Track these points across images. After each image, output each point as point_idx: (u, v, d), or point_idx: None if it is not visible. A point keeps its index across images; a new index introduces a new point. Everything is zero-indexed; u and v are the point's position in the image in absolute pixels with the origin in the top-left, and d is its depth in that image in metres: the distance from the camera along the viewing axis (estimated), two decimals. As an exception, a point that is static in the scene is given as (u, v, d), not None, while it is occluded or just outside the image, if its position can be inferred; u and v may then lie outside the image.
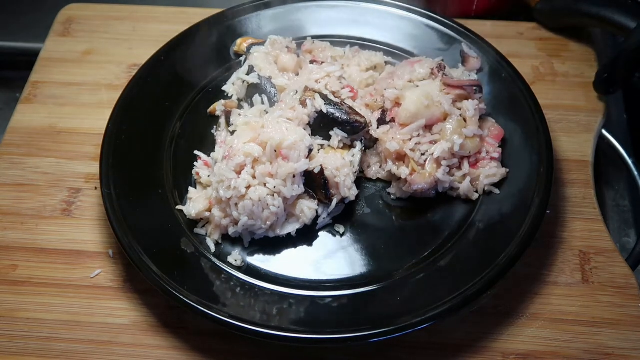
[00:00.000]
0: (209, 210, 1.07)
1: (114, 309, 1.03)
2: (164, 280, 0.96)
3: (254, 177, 1.03)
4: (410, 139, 1.10)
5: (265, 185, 1.03)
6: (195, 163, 1.13)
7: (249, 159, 1.03)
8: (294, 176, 1.04)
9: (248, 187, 1.03)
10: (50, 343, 1.00)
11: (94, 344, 0.99)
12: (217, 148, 1.14)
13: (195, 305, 0.94)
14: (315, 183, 1.07)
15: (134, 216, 1.04)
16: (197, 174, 1.12)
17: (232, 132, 1.15)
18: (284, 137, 1.04)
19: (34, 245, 1.10)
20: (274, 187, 1.03)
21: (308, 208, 1.06)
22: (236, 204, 1.03)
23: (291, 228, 1.06)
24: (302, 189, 1.05)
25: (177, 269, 0.99)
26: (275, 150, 1.03)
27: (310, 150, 1.06)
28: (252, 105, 1.18)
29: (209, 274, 1.02)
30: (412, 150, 1.09)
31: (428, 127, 1.11)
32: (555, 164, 1.09)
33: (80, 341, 1.00)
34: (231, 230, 1.05)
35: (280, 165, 1.03)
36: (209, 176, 1.10)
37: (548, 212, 1.07)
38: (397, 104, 1.12)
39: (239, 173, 1.03)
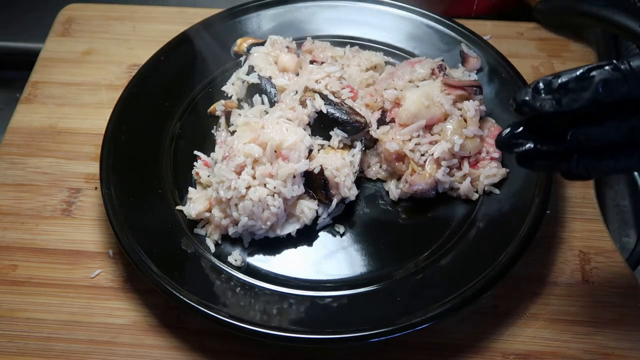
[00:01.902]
0: (209, 210, 1.07)
1: (114, 309, 1.03)
2: (164, 280, 0.96)
3: (254, 177, 1.03)
4: (410, 140, 1.10)
5: (265, 185, 1.03)
6: (195, 163, 1.14)
7: (249, 159, 1.03)
8: (294, 176, 1.04)
9: (248, 188, 1.03)
10: (50, 343, 1.00)
11: (94, 344, 0.99)
12: (216, 148, 1.15)
13: (195, 305, 0.94)
14: (315, 183, 1.07)
15: (134, 216, 1.04)
16: (197, 174, 1.12)
17: (232, 132, 1.15)
18: (284, 137, 1.04)
19: (34, 245, 1.10)
20: (274, 187, 1.03)
21: (308, 208, 1.06)
22: (236, 205, 1.03)
23: (291, 228, 1.06)
24: (302, 189, 1.05)
25: (177, 269, 0.99)
26: (275, 151, 1.03)
27: (310, 151, 1.06)
28: (252, 105, 1.18)
29: (209, 274, 1.02)
30: (412, 150, 1.09)
31: (428, 128, 1.10)
32: (555, 164, 1.09)
33: (80, 341, 1.00)
34: (231, 231, 1.05)
35: (280, 165, 1.03)
36: (208, 176, 1.10)
37: (548, 212, 1.07)
38: (397, 104, 1.12)
39: (239, 173, 1.03)
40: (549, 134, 0.75)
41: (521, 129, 0.76)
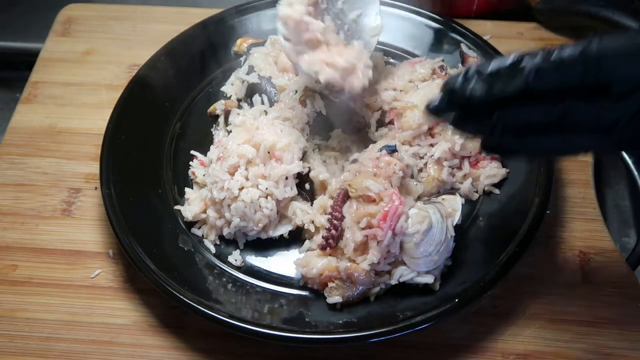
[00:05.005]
0: (205, 211, 1.06)
1: (114, 309, 1.03)
2: (164, 280, 0.96)
3: (247, 178, 1.03)
4: (411, 145, 1.09)
5: (257, 186, 1.03)
6: (191, 163, 1.14)
7: (242, 160, 1.03)
8: (286, 178, 1.04)
9: (241, 189, 1.02)
10: (50, 343, 1.00)
11: (94, 344, 0.99)
12: (212, 148, 1.14)
13: (195, 305, 0.94)
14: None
15: (134, 216, 1.04)
16: (193, 173, 1.12)
17: (230, 132, 1.15)
18: (277, 138, 1.04)
19: (34, 245, 1.10)
20: (266, 188, 1.02)
21: (300, 210, 1.05)
22: (229, 205, 1.02)
23: (283, 230, 1.06)
24: (294, 191, 1.05)
25: (177, 269, 0.99)
26: (269, 152, 1.03)
27: (304, 152, 1.06)
28: (252, 105, 1.18)
29: (209, 274, 1.02)
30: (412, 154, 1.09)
31: (428, 130, 1.10)
32: (555, 164, 1.09)
33: (81, 341, 1.00)
34: (225, 231, 1.05)
35: (273, 167, 1.03)
36: (204, 175, 1.10)
37: (548, 212, 1.07)
38: (399, 114, 1.11)
39: (232, 174, 1.03)
40: (475, 114, 0.75)
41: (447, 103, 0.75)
